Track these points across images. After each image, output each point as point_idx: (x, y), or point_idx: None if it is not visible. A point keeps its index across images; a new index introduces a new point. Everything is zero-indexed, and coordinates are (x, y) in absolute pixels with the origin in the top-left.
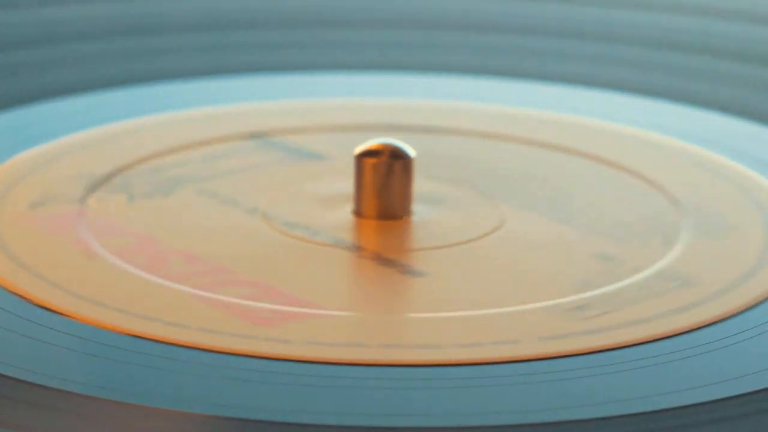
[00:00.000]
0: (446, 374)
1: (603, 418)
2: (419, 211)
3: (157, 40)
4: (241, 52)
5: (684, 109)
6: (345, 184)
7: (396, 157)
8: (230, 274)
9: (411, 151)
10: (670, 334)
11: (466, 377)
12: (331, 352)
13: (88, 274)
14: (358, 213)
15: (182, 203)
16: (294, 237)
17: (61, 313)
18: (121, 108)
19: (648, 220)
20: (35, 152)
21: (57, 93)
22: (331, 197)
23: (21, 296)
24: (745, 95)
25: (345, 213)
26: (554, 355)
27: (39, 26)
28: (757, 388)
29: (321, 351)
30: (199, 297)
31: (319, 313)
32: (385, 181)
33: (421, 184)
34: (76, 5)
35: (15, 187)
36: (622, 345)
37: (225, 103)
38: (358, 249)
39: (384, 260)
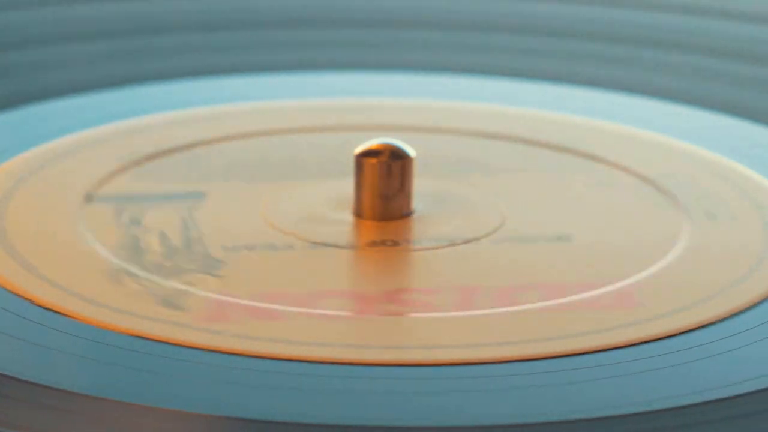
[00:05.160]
0: (447, 374)
1: (602, 418)
2: (419, 211)
3: (157, 40)
4: (241, 53)
5: (684, 109)
6: (345, 184)
7: (396, 157)
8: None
9: (411, 151)
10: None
11: (467, 377)
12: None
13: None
14: (358, 213)
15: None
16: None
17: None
18: (121, 108)
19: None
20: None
21: (57, 93)
22: (331, 197)
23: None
24: (745, 95)
25: (345, 213)
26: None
27: (39, 26)
28: (756, 389)
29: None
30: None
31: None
32: (385, 181)
33: (421, 184)
34: (76, 5)
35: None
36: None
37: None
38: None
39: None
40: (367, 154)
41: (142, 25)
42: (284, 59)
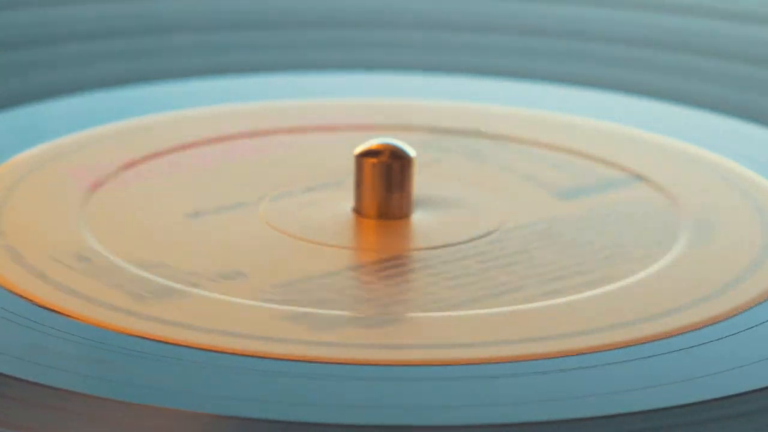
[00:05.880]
0: (448, 374)
1: (602, 417)
2: (419, 211)
3: (157, 40)
4: (241, 52)
5: (684, 109)
6: (345, 184)
7: (396, 157)
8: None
9: (411, 151)
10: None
11: (467, 377)
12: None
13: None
14: (358, 213)
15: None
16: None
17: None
18: (121, 108)
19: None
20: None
21: (57, 93)
22: (331, 197)
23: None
24: (745, 95)
25: (345, 213)
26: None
27: (39, 26)
28: (755, 387)
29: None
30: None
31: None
32: (385, 181)
33: (421, 184)
34: (75, 5)
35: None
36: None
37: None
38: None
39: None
40: (367, 154)
41: (142, 25)
42: (284, 59)
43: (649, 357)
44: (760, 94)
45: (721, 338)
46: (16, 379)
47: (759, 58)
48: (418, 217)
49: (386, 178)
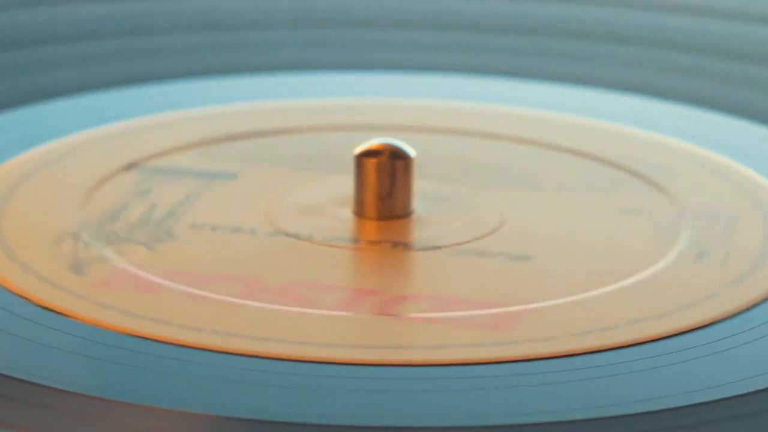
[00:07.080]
0: (448, 374)
1: (602, 419)
2: (419, 210)
3: (157, 40)
4: (241, 52)
5: (684, 109)
6: (345, 184)
7: (396, 157)
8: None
9: (411, 151)
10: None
11: (467, 377)
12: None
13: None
14: (358, 213)
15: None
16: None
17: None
18: (121, 108)
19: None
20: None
21: (57, 93)
22: (331, 197)
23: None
24: (745, 95)
25: (345, 213)
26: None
27: (39, 26)
28: (756, 389)
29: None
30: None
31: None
32: (385, 181)
33: (421, 184)
34: (75, 5)
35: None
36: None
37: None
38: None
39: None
40: (367, 154)
41: (142, 25)
42: (284, 59)
43: (649, 358)
44: (760, 94)
45: (722, 338)
46: (15, 379)
47: (759, 58)
48: (418, 217)
49: (386, 178)
